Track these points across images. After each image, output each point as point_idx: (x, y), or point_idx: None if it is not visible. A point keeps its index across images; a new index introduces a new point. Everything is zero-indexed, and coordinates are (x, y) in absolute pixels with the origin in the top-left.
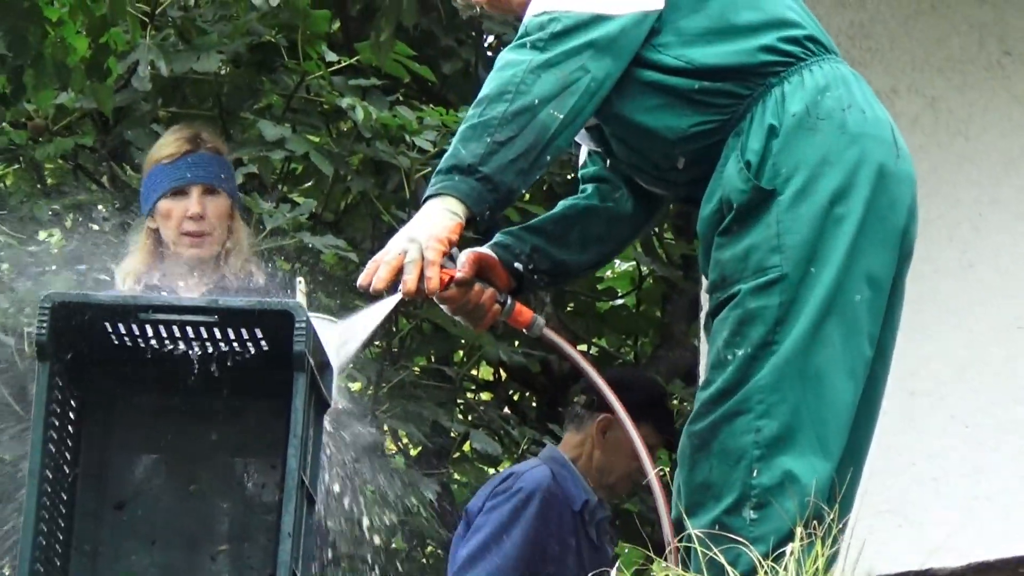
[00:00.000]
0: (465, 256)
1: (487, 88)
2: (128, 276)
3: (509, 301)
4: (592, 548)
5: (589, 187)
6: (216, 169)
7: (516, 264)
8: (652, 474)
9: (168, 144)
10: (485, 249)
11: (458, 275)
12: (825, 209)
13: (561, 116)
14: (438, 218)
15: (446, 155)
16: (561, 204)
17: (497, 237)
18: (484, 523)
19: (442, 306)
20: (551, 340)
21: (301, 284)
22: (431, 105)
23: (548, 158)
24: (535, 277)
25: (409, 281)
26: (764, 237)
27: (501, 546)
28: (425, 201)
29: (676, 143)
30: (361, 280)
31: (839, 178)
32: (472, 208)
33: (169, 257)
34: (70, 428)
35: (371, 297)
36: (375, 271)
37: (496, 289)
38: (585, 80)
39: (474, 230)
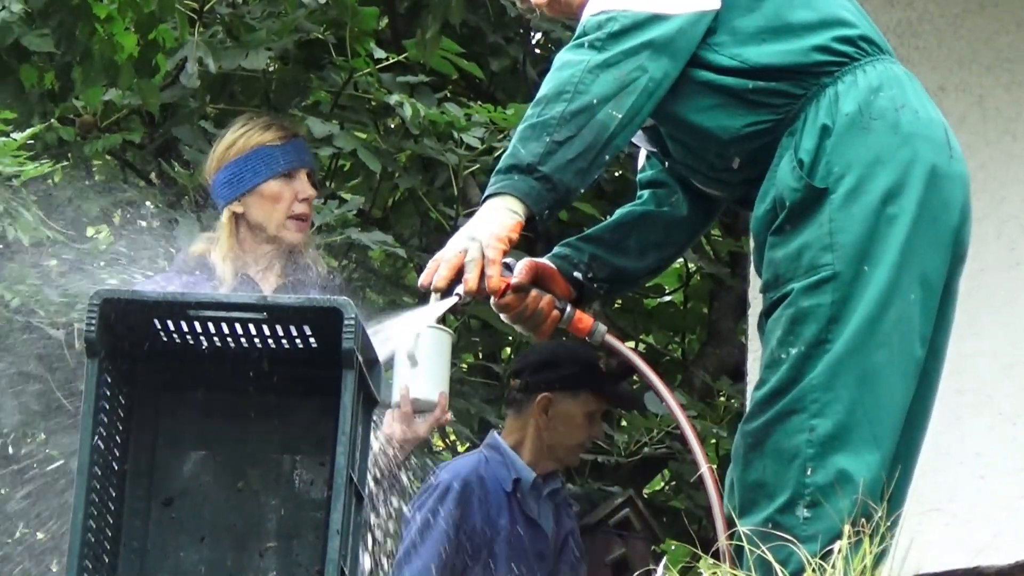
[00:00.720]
0: (522, 264)
1: (545, 88)
2: (226, 260)
3: (569, 309)
4: (530, 524)
5: (646, 193)
6: (307, 155)
7: (575, 273)
8: (705, 469)
9: (269, 129)
10: (543, 259)
11: (514, 281)
12: (877, 208)
13: (619, 116)
14: (498, 217)
15: (505, 154)
16: (618, 212)
17: (555, 248)
18: (410, 523)
19: (501, 314)
20: (613, 346)
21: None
22: (479, 102)
23: (606, 158)
24: (595, 285)
25: (470, 280)
26: (817, 236)
27: (424, 543)
28: (484, 200)
29: (730, 143)
30: (422, 279)
31: (891, 178)
32: (531, 207)
33: (249, 242)
34: (119, 425)
35: (419, 293)
36: (435, 270)
37: (555, 297)
38: (643, 80)
39: (532, 230)
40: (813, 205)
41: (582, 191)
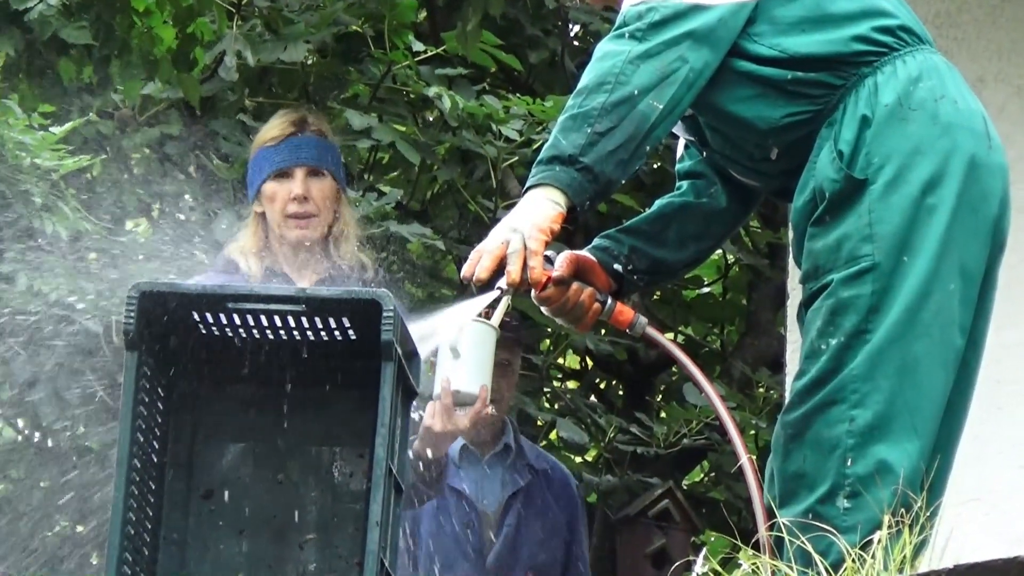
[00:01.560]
0: (563, 257)
1: (586, 78)
2: (251, 256)
3: (609, 301)
4: (453, 495)
5: (684, 184)
6: (320, 151)
7: (615, 266)
8: (745, 460)
9: (273, 127)
10: (584, 252)
11: (555, 274)
12: (917, 199)
13: (660, 107)
14: (540, 208)
15: (546, 145)
16: (657, 203)
17: (595, 241)
18: None
19: (542, 307)
20: (654, 339)
21: (508, 299)
22: (517, 94)
23: (647, 148)
24: (635, 278)
25: (513, 272)
26: (856, 227)
27: None
28: (525, 191)
29: (769, 133)
30: (464, 271)
31: (931, 168)
32: (573, 198)
33: (274, 242)
34: (158, 418)
35: (457, 285)
36: (477, 261)
37: (596, 290)
38: (684, 70)
39: (571, 222)
40: (853, 196)
41: (623, 182)
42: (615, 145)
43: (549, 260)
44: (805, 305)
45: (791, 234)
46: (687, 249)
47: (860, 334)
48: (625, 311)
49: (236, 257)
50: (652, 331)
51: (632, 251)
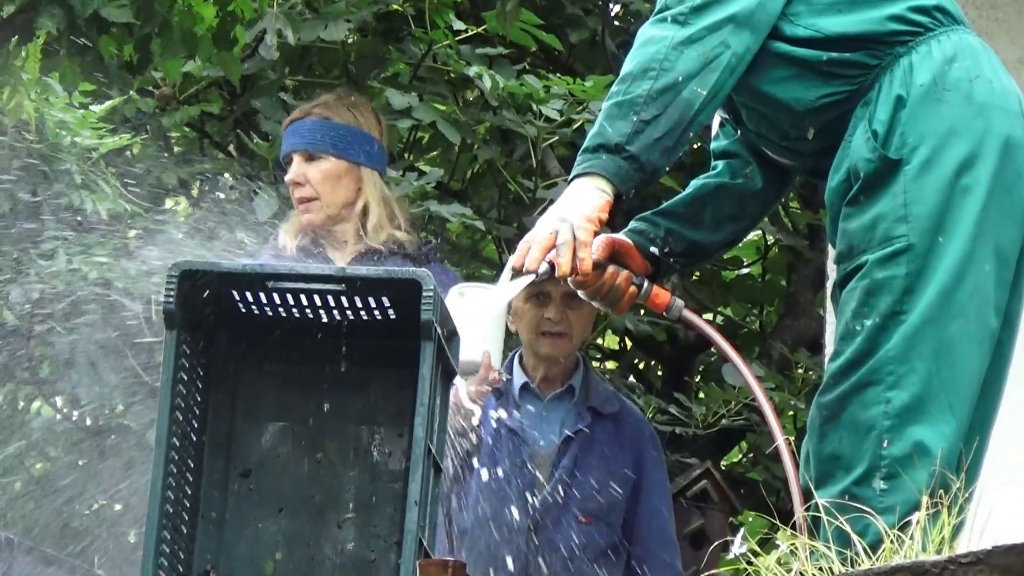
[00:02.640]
0: (599, 240)
1: (630, 65)
2: (288, 233)
3: (646, 284)
4: (511, 435)
5: (720, 164)
6: (317, 134)
7: (652, 248)
8: (781, 441)
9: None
10: (620, 235)
11: (592, 257)
12: (951, 179)
13: (704, 92)
14: (588, 197)
15: (591, 133)
16: (692, 185)
17: (631, 224)
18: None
19: (578, 291)
20: (691, 321)
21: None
22: (558, 74)
23: (691, 135)
24: (671, 260)
25: (564, 264)
26: (891, 207)
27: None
28: (571, 180)
29: (805, 114)
30: (514, 262)
31: (966, 149)
32: (619, 187)
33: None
34: (197, 396)
35: (496, 265)
36: (527, 252)
37: (632, 273)
38: (726, 56)
39: (616, 209)
40: (887, 176)
41: (667, 169)
42: (661, 133)
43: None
44: (840, 286)
45: (827, 214)
46: (723, 230)
47: (895, 315)
48: (661, 294)
49: (280, 235)
50: (689, 314)
51: (668, 233)
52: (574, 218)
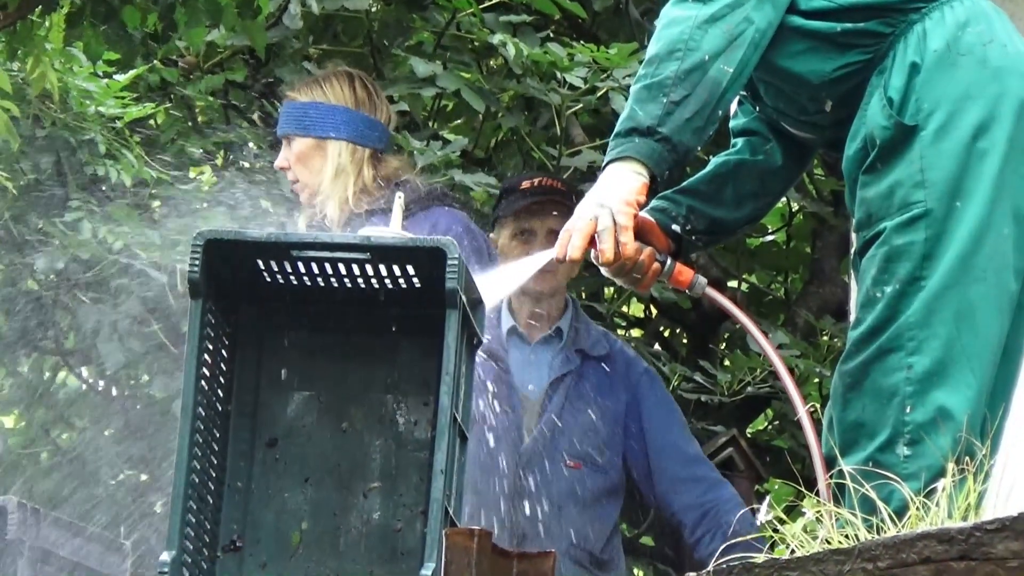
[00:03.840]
0: None
1: (656, 46)
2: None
3: (669, 261)
4: (501, 380)
5: (740, 141)
6: (283, 119)
7: (673, 227)
8: (803, 412)
9: None
10: (642, 213)
11: (632, 241)
12: (968, 144)
13: (731, 70)
14: (624, 181)
15: (622, 117)
16: (713, 162)
17: (653, 202)
18: None
19: (602, 269)
20: (714, 298)
21: (400, 199)
22: (581, 42)
23: (719, 113)
24: (693, 238)
25: (607, 250)
26: (908, 173)
27: None
28: (605, 166)
29: (822, 87)
30: (556, 252)
31: (981, 113)
32: (654, 169)
33: None
34: (222, 366)
35: None
36: (568, 241)
37: (655, 250)
38: (750, 32)
39: (651, 192)
40: (903, 143)
41: (699, 149)
42: (691, 113)
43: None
44: (859, 253)
45: (845, 183)
46: (744, 208)
47: (915, 281)
48: (685, 271)
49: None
50: (712, 291)
51: (690, 211)
52: (613, 203)
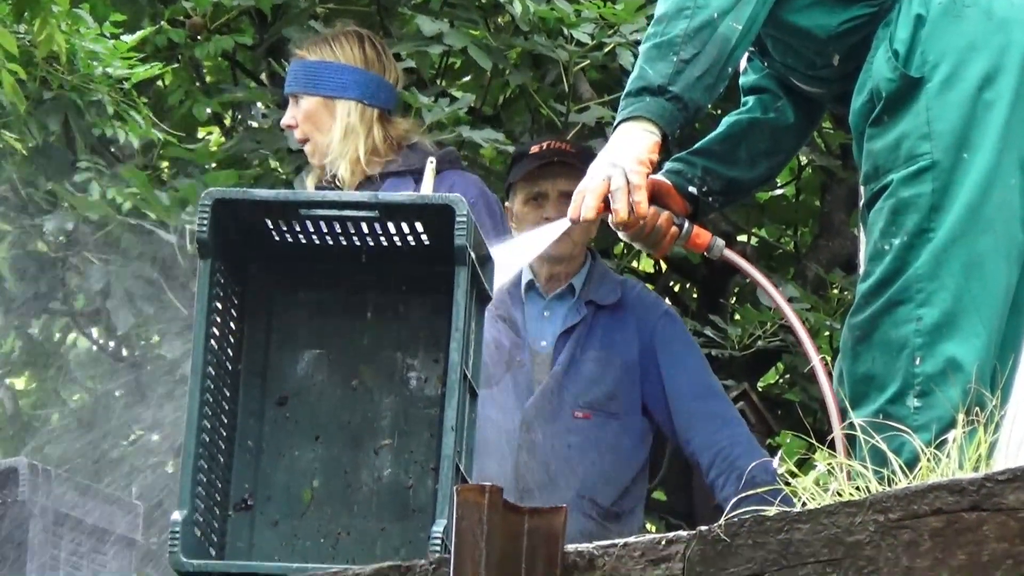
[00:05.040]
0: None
1: (665, 5)
2: (310, 176)
3: (687, 224)
4: (511, 331)
5: (750, 99)
6: (292, 77)
7: (690, 188)
8: (817, 361)
9: None
10: (658, 176)
11: (646, 200)
12: (974, 95)
13: (740, 27)
14: (637, 140)
15: (632, 77)
16: (725, 122)
17: (667, 164)
18: None
19: (620, 233)
20: (732, 260)
21: (432, 163)
22: None
23: (730, 70)
24: (709, 199)
25: (621, 209)
26: (914, 125)
27: None
28: (617, 125)
29: (828, 41)
30: (570, 214)
31: (986, 63)
32: (665, 128)
33: None
34: (232, 325)
35: None
36: (582, 201)
37: (673, 213)
38: None
39: (664, 151)
40: (909, 95)
41: (709, 106)
42: (701, 71)
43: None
44: (867, 206)
45: (853, 136)
46: (759, 166)
47: (923, 233)
48: (702, 234)
49: (305, 181)
50: (730, 253)
51: (705, 172)
52: (625, 162)
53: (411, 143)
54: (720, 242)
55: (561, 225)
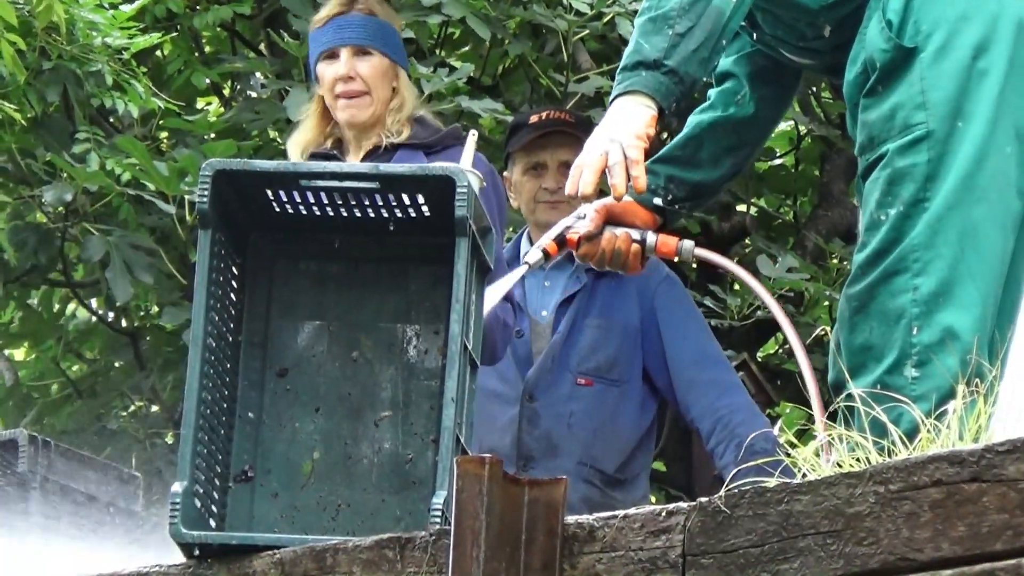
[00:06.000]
0: (591, 209)
1: None
2: (297, 147)
3: (649, 237)
4: (508, 302)
5: (713, 94)
6: (366, 30)
7: (655, 200)
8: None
9: (323, 9)
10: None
11: (583, 232)
12: (968, 64)
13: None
14: (634, 115)
15: (628, 51)
16: (687, 124)
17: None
18: None
19: (589, 264)
20: (705, 258)
21: (473, 136)
22: None
23: (724, 43)
24: (676, 207)
25: (619, 184)
26: (908, 95)
27: None
28: (613, 100)
29: (820, 12)
30: (568, 188)
31: (979, 32)
32: (661, 102)
33: (337, 125)
34: (232, 296)
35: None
36: (580, 177)
37: (634, 229)
38: None
39: (661, 125)
40: (903, 65)
41: (704, 80)
42: (696, 44)
43: (582, 217)
44: (863, 177)
45: (847, 107)
46: (723, 165)
47: (918, 202)
48: (667, 242)
49: (288, 148)
50: (701, 251)
51: (669, 180)
52: (623, 137)
53: (418, 115)
54: (688, 244)
55: (519, 273)
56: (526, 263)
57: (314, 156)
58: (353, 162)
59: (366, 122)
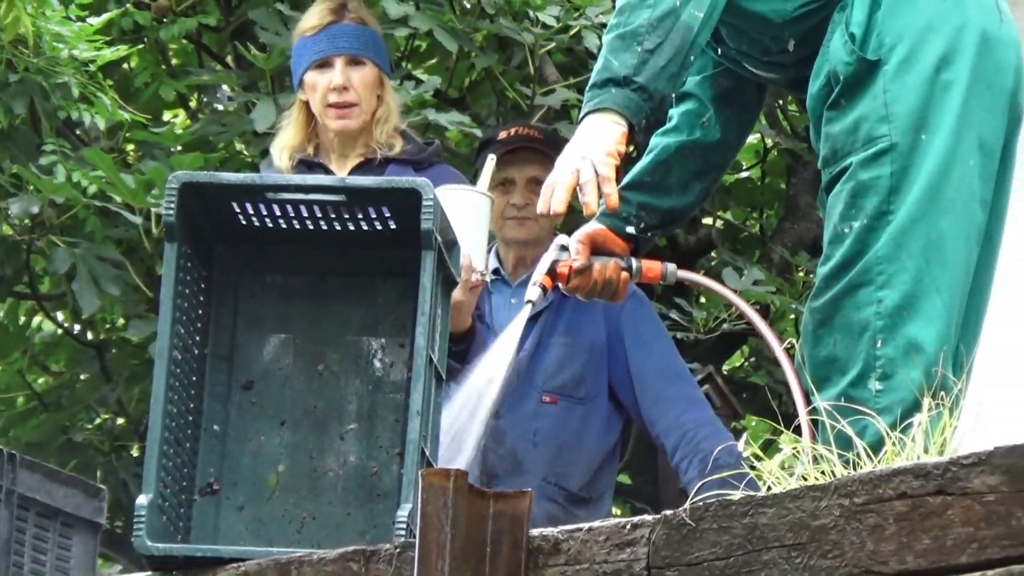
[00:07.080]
0: (575, 241)
1: None
2: (284, 151)
3: (634, 263)
4: (480, 322)
5: (675, 115)
6: (360, 40)
7: (628, 229)
8: (778, 348)
9: (312, 16)
10: (593, 225)
11: (574, 264)
12: (931, 76)
13: (701, 15)
14: (604, 132)
15: (597, 68)
16: (652, 146)
17: (601, 207)
18: None
19: (576, 295)
20: (688, 279)
21: (492, 161)
22: None
23: (692, 58)
24: (648, 235)
25: (591, 202)
26: (872, 108)
27: None
28: (583, 118)
29: (784, 26)
30: (540, 207)
31: (943, 44)
32: (631, 119)
33: (321, 130)
34: (199, 309)
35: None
36: (551, 195)
37: (619, 258)
38: None
39: (631, 143)
40: (867, 77)
41: (674, 96)
42: (665, 60)
43: (566, 248)
44: (826, 190)
45: (810, 121)
46: (692, 190)
47: (882, 215)
48: (652, 267)
49: (273, 151)
50: (685, 273)
51: (640, 208)
52: (594, 154)
53: (402, 128)
54: (671, 267)
55: (550, 257)
56: (530, 302)
57: (302, 163)
58: (339, 170)
59: (355, 131)
